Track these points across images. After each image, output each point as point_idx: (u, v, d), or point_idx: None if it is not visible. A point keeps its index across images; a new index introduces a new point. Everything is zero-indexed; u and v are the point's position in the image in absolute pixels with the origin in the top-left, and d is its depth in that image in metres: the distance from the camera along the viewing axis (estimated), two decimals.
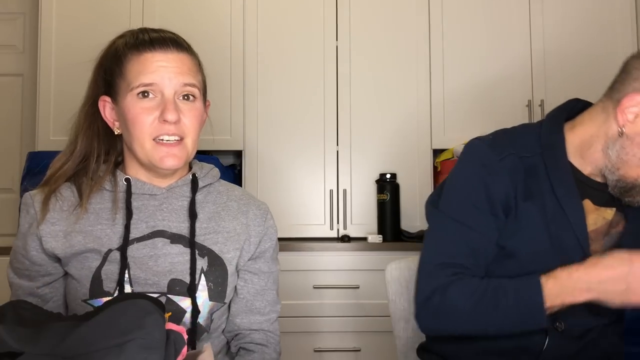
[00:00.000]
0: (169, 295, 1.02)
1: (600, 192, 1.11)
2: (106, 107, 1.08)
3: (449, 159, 2.61)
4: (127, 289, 1.01)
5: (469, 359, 1.17)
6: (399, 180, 2.59)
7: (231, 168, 2.78)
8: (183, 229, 1.08)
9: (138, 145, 1.04)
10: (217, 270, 1.08)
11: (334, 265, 2.39)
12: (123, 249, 1.02)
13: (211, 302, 1.06)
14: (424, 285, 1.10)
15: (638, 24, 2.69)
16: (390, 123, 2.64)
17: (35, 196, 1.07)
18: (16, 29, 2.91)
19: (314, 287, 2.37)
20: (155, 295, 1.01)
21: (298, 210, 2.60)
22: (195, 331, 1.05)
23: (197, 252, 1.06)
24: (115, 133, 1.09)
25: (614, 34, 2.68)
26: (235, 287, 1.15)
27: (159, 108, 1.02)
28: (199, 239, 1.08)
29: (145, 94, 1.02)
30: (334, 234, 2.59)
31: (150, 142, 1.03)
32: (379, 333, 2.32)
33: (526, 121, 2.63)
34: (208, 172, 1.16)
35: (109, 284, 1.01)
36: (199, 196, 1.12)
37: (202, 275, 1.06)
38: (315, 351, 2.36)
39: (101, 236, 1.04)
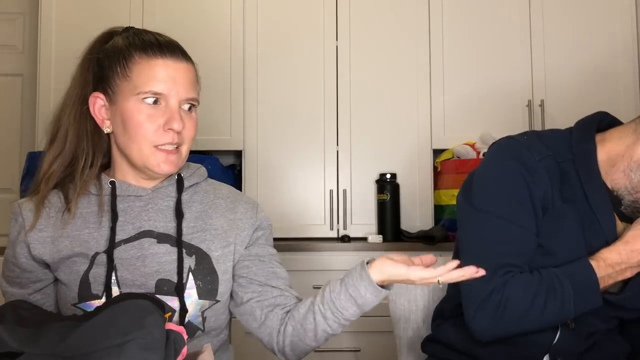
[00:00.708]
0: (157, 296, 1.02)
1: (617, 206, 1.12)
2: (96, 104, 1.06)
3: (449, 159, 2.61)
4: (115, 290, 1.02)
5: (477, 351, 1.17)
6: (399, 180, 2.58)
7: (231, 168, 2.78)
8: (170, 228, 1.08)
9: (136, 149, 1.03)
10: (205, 269, 1.07)
11: (334, 265, 2.39)
12: (109, 252, 1.03)
13: (201, 301, 1.06)
14: (479, 289, 1.07)
15: (638, 24, 2.69)
16: (390, 123, 2.64)
17: (23, 204, 1.08)
18: (16, 29, 2.91)
19: (314, 287, 2.37)
20: None
21: (298, 210, 2.60)
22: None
23: (184, 251, 1.06)
24: (105, 132, 1.07)
25: (614, 34, 2.68)
26: (239, 276, 1.12)
27: (163, 116, 1.03)
28: (186, 237, 1.08)
29: (155, 102, 1.03)
30: (334, 234, 2.59)
31: (149, 148, 1.03)
32: (379, 333, 2.32)
33: (526, 121, 2.63)
34: (194, 172, 1.16)
35: (97, 286, 1.02)
36: (185, 196, 1.12)
37: (190, 273, 1.06)
38: (315, 351, 2.36)
39: (88, 240, 1.04)
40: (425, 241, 2.41)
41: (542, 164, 1.10)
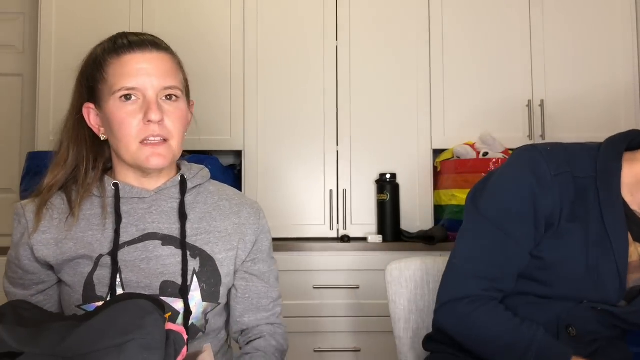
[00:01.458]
0: (161, 298, 1.02)
1: (639, 227, 1.10)
2: (90, 114, 1.09)
3: (449, 159, 2.61)
4: (120, 292, 1.02)
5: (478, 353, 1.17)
6: (399, 180, 2.58)
7: (231, 168, 2.78)
8: (174, 230, 1.08)
9: (124, 148, 1.04)
10: (209, 271, 1.08)
11: (334, 265, 2.39)
12: (114, 254, 1.03)
13: (205, 303, 1.07)
14: (453, 287, 1.11)
15: (638, 24, 2.69)
16: (390, 123, 2.64)
17: (26, 206, 1.08)
18: (16, 29, 2.91)
19: (314, 287, 2.37)
20: None
21: (298, 210, 2.60)
22: (187, 332, 1.05)
23: (188, 253, 1.07)
24: (102, 139, 1.09)
25: (614, 34, 2.68)
26: (235, 287, 1.16)
27: (142, 110, 1.03)
28: (190, 239, 1.09)
29: (128, 97, 1.03)
30: (333, 234, 2.59)
31: (136, 144, 1.03)
32: (379, 333, 2.32)
33: (526, 121, 2.63)
34: (197, 173, 1.17)
35: (102, 288, 1.02)
36: (189, 197, 1.13)
37: (195, 276, 1.06)
38: (315, 351, 2.36)
39: (92, 242, 1.05)
40: (425, 241, 2.41)
41: (558, 180, 1.08)
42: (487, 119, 2.63)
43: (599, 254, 1.07)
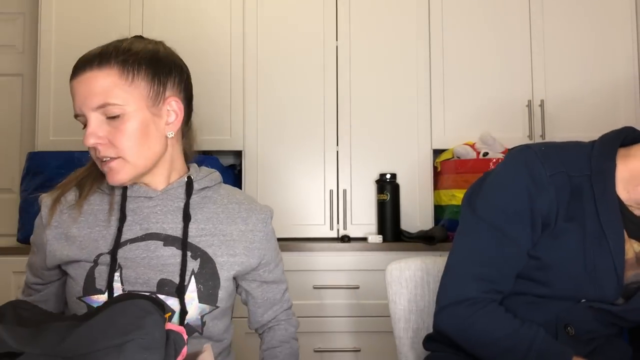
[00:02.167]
0: (157, 295, 1.04)
1: (635, 225, 1.10)
2: None
3: (449, 159, 2.61)
4: (117, 287, 1.04)
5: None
6: (399, 180, 2.58)
7: (231, 168, 2.78)
8: (177, 230, 1.09)
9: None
10: (208, 273, 1.09)
11: (334, 265, 2.39)
12: (113, 251, 1.05)
13: (202, 305, 1.07)
14: (452, 290, 1.11)
15: (638, 24, 2.69)
16: (390, 123, 2.64)
17: (43, 200, 1.13)
18: (16, 29, 2.91)
19: (314, 287, 2.37)
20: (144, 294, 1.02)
21: (298, 210, 2.60)
22: None
23: (190, 253, 1.08)
24: None
25: (614, 34, 2.68)
26: (252, 294, 1.22)
27: None
28: (193, 240, 1.10)
29: (83, 123, 1.05)
30: (334, 234, 2.59)
31: (99, 162, 1.06)
32: (379, 333, 2.32)
33: (526, 121, 2.63)
34: (206, 176, 1.17)
35: (101, 282, 1.05)
36: (196, 198, 1.13)
37: (193, 276, 1.07)
38: (315, 351, 2.36)
39: (97, 238, 1.08)
40: (425, 241, 2.41)
41: (553, 180, 1.08)
42: (487, 119, 2.63)
43: (596, 252, 1.08)
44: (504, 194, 1.10)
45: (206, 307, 1.08)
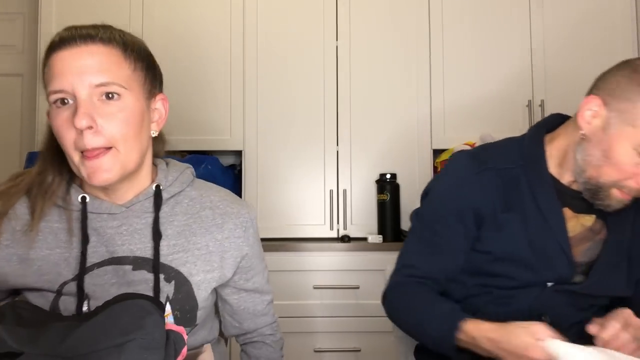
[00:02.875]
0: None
1: (579, 199, 1.15)
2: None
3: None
4: None
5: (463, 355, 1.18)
6: (399, 180, 2.58)
7: (231, 168, 2.78)
8: (146, 250, 0.97)
9: (69, 159, 0.92)
10: (184, 297, 0.98)
11: (334, 265, 2.39)
12: (80, 281, 0.93)
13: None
14: (389, 281, 1.24)
15: (638, 24, 2.69)
16: (390, 123, 2.64)
17: None
18: (15, 29, 2.91)
19: (314, 288, 2.37)
20: None
21: (298, 210, 2.59)
22: None
23: (162, 277, 0.97)
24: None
25: (614, 34, 2.68)
26: (228, 302, 1.11)
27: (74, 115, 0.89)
28: (165, 259, 0.97)
29: (64, 102, 0.90)
30: (334, 234, 2.59)
31: (77, 156, 0.90)
32: (379, 333, 2.32)
33: (526, 121, 2.63)
34: (176, 179, 1.03)
35: (67, 315, 0.93)
36: (165, 208, 1.00)
37: (168, 303, 0.96)
38: (315, 351, 2.36)
39: (59, 262, 0.95)
40: None
41: (479, 178, 1.17)
42: (487, 119, 2.63)
43: (540, 235, 1.13)
44: (437, 197, 1.22)
45: (186, 329, 1.02)
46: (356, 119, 2.63)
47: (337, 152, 2.63)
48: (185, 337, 0.83)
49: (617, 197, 1.10)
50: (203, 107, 2.58)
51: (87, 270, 0.93)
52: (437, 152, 2.69)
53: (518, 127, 2.64)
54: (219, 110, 2.61)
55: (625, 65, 1.13)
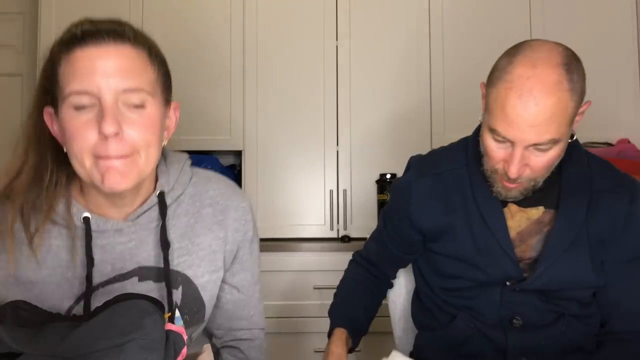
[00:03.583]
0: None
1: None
2: (53, 121, 0.91)
3: None
4: None
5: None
6: None
7: (231, 168, 2.78)
8: (150, 259, 0.93)
9: (77, 164, 0.86)
10: (192, 300, 0.97)
11: (335, 265, 2.39)
12: (86, 306, 0.87)
13: (189, 329, 0.98)
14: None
15: (638, 23, 2.69)
16: (390, 123, 2.63)
17: None
18: (15, 29, 2.91)
19: (314, 288, 2.37)
20: None
21: (298, 210, 2.59)
22: None
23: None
24: (65, 150, 0.89)
25: (614, 34, 2.68)
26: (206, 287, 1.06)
27: (98, 120, 0.83)
28: (171, 264, 0.94)
29: (82, 105, 0.83)
30: (334, 234, 2.59)
31: (90, 160, 0.84)
32: (379, 333, 2.31)
33: None
34: (176, 180, 0.99)
35: None
36: (167, 213, 0.96)
37: (176, 309, 0.92)
38: (315, 351, 2.36)
39: (60, 282, 0.89)
40: None
41: (418, 183, 1.21)
42: None
43: (482, 234, 1.12)
44: (391, 194, 1.37)
45: (194, 329, 1.01)
46: (356, 119, 2.63)
47: (337, 152, 2.63)
48: (185, 337, 0.83)
49: (499, 184, 1.09)
50: (203, 107, 2.58)
51: (92, 291, 0.89)
52: None
53: None
54: (219, 110, 2.61)
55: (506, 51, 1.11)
